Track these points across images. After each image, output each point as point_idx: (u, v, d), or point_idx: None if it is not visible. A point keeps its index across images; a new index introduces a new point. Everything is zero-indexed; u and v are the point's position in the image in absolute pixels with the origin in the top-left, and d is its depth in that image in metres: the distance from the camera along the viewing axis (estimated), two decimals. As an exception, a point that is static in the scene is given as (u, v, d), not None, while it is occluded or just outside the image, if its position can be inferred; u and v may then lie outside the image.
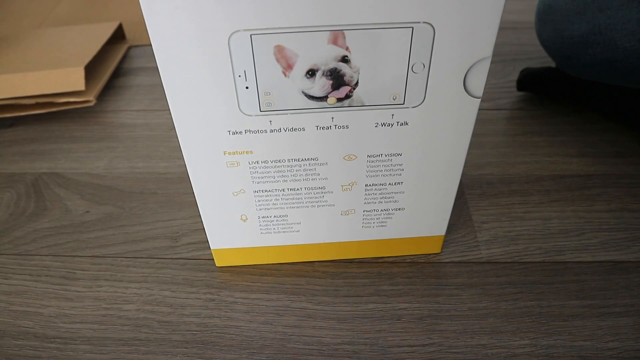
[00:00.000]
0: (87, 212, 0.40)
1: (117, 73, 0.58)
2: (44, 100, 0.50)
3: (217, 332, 0.31)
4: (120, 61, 0.60)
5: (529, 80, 0.50)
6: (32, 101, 0.49)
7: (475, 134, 0.47)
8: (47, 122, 0.51)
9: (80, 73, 0.49)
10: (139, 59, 0.61)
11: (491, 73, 0.56)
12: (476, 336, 0.30)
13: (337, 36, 0.23)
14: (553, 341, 0.30)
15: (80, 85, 0.49)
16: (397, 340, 0.30)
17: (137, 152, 0.46)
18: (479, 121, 0.49)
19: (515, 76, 0.55)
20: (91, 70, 0.55)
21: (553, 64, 0.55)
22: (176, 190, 0.42)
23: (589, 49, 0.40)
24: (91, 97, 0.50)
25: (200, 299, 0.33)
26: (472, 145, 0.45)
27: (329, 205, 0.30)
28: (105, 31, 0.58)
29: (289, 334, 0.31)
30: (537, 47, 0.60)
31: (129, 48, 0.63)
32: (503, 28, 0.65)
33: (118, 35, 0.63)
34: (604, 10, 0.38)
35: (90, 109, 0.52)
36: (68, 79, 0.49)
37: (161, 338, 0.31)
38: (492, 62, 0.58)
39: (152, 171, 0.44)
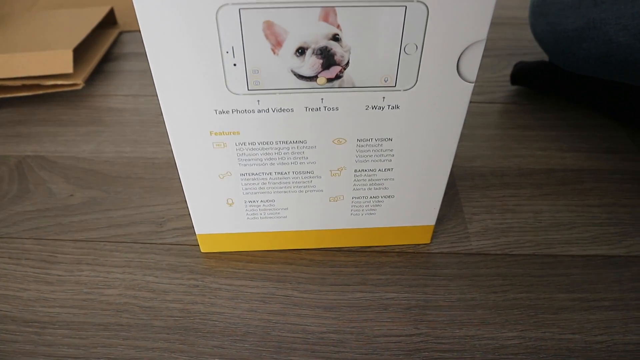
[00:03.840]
0: (72, 195, 0.39)
1: (108, 58, 0.57)
2: (30, 83, 0.48)
3: (199, 319, 0.30)
4: (111, 46, 0.59)
5: (522, 74, 0.49)
6: (19, 83, 0.48)
7: (468, 127, 0.46)
8: (33, 105, 0.50)
9: (69, 55, 0.48)
10: (130, 44, 0.60)
11: (486, 67, 0.55)
12: (464, 327, 0.30)
13: (328, 13, 0.22)
14: (541, 334, 0.30)
15: (68, 67, 0.48)
16: (383, 330, 0.30)
17: (125, 137, 0.45)
18: (472, 114, 0.48)
19: (510, 71, 0.54)
20: (80, 53, 0.54)
21: (547, 59, 0.55)
22: (163, 176, 0.41)
23: (583, 43, 0.40)
24: (79, 81, 0.49)
25: (183, 284, 0.32)
26: (465, 138, 0.45)
27: (317, 191, 0.30)
28: (96, 15, 0.57)
29: (274, 321, 0.30)
30: (532, 43, 0.60)
31: (120, 33, 0.62)
32: (499, 23, 0.64)
33: (110, 20, 0.62)
34: (599, 5, 0.37)
35: (79, 92, 0.51)
36: (56, 61, 0.48)
37: (142, 324, 0.30)
38: (487, 57, 0.57)
39: (139, 156, 0.43)
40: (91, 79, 0.53)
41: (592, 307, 0.31)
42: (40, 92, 0.49)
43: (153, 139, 0.45)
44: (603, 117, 0.47)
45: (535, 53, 0.58)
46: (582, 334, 0.30)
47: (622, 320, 0.30)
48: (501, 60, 0.56)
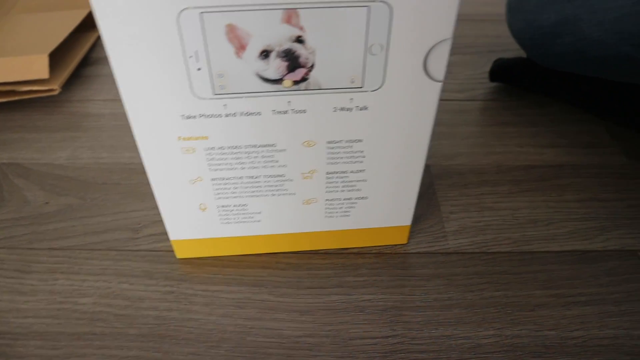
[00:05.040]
0: (47, 203, 0.39)
1: (86, 62, 0.57)
2: (5, 89, 0.48)
3: (174, 326, 0.30)
4: (89, 50, 0.58)
5: (500, 71, 0.49)
6: (-7, 90, 0.48)
7: (448, 125, 0.46)
8: (9, 111, 0.49)
9: (44, 61, 0.47)
10: (108, 48, 0.59)
11: (466, 64, 0.55)
12: (440, 327, 0.30)
13: (290, 15, 0.22)
14: (518, 331, 0.30)
15: (44, 73, 0.48)
16: (359, 332, 0.29)
17: (102, 142, 0.45)
18: (452, 112, 0.48)
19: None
20: (57, 58, 0.54)
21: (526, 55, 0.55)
22: (140, 181, 0.40)
23: (559, 39, 0.40)
24: (55, 86, 0.48)
25: (159, 291, 0.32)
26: (445, 136, 0.45)
27: (290, 194, 0.29)
28: (74, 19, 0.57)
29: (249, 326, 0.30)
30: (512, 39, 0.60)
31: (99, 37, 0.61)
32: (479, 20, 0.65)
33: (88, 24, 0.62)
34: (572, 1, 0.37)
35: (55, 98, 0.51)
36: (31, 66, 0.47)
37: (117, 332, 0.30)
38: (467, 54, 0.57)
39: (116, 161, 0.42)
40: (69, 84, 0.53)
41: (568, 303, 0.31)
42: (16, 98, 0.48)
43: (130, 144, 0.44)
44: (582, 112, 0.48)
45: (515, 49, 0.58)
46: (558, 330, 0.30)
47: (598, 315, 0.30)
48: (481, 58, 0.56)
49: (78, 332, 0.30)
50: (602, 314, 0.30)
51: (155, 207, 0.38)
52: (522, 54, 0.57)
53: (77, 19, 0.57)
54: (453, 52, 0.58)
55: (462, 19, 0.65)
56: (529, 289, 0.32)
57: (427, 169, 0.41)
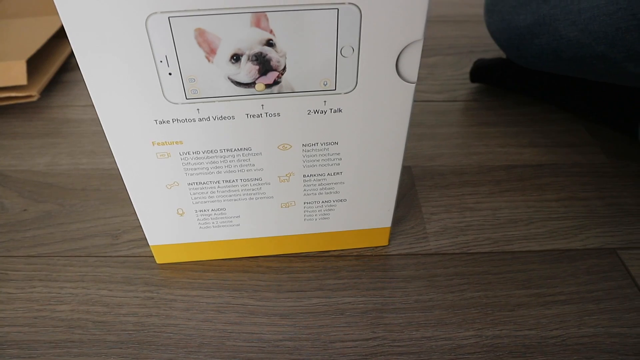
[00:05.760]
0: (25, 210, 0.38)
1: (66, 67, 0.56)
2: (-17, 96, 0.47)
3: (154, 331, 0.30)
4: (69, 56, 0.58)
5: (480, 71, 0.50)
6: (-29, 96, 0.47)
7: (429, 126, 0.46)
8: (-13, 119, 0.48)
9: (22, 67, 0.47)
10: (89, 53, 0.59)
11: (448, 65, 0.56)
12: (421, 329, 0.30)
13: (259, 18, 0.22)
14: (498, 331, 0.30)
15: (22, 79, 0.47)
16: (339, 335, 0.29)
17: (82, 148, 0.44)
18: (433, 113, 0.48)
19: (471, 68, 0.55)
20: (36, 64, 0.53)
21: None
22: (120, 187, 0.40)
23: (535, 40, 0.40)
24: (34, 92, 0.48)
25: (138, 297, 0.32)
26: (426, 137, 0.45)
27: (268, 198, 0.29)
28: (53, 25, 0.56)
29: (229, 331, 0.30)
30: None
31: (80, 42, 0.61)
32: (460, 21, 0.65)
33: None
34: (548, 1, 0.38)
35: (35, 104, 0.50)
36: (9, 72, 0.47)
37: (95, 339, 0.29)
38: (448, 55, 0.58)
39: (96, 167, 0.42)
40: (48, 90, 0.52)
41: (548, 302, 0.31)
42: (-6, 105, 0.48)
43: (110, 150, 0.44)
44: (562, 112, 0.48)
45: (496, 50, 0.58)
46: (538, 330, 0.30)
47: (577, 314, 0.30)
48: (463, 58, 0.56)
49: (55, 340, 0.29)
50: (581, 312, 0.31)
51: (135, 213, 0.38)
52: (502, 54, 0.57)
53: (56, 24, 0.56)
54: (434, 53, 0.58)
55: (442, 20, 0.66)
56: (509, 289, 0.32)
57: (409, 170, 0.41)
